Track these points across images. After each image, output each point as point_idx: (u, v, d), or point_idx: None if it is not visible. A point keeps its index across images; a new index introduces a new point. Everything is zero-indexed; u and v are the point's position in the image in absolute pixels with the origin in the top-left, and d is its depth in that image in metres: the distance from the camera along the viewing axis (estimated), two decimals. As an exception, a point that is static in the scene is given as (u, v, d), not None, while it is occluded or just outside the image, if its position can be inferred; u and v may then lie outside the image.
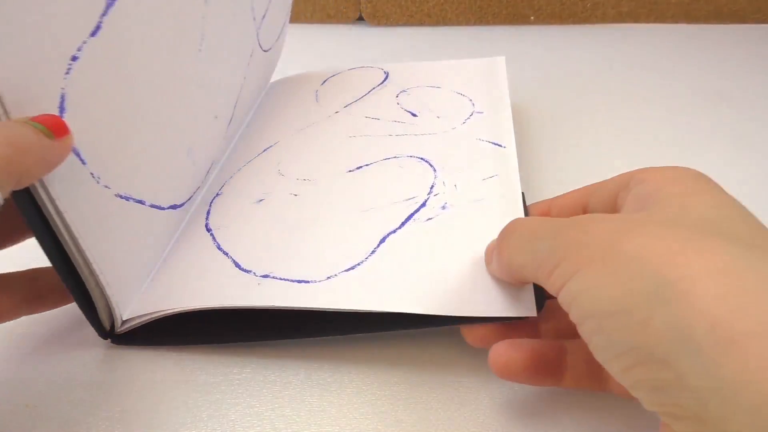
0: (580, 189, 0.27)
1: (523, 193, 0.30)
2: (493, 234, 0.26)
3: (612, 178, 0.25)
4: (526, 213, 0.29)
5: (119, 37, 0.22)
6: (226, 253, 0.28)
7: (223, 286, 0.27)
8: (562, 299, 0.19)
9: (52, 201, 0.21)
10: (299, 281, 0.26)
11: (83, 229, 0.23)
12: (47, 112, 0.20)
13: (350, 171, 0.33)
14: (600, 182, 0.26)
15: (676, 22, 0.59)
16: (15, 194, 0.21)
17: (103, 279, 0.24)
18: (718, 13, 0.58)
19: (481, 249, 0.27)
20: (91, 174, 0.23)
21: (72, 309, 0.27)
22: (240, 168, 0.34)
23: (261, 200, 0.31)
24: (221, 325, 0.28)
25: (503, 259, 0.23)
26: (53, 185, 0.21)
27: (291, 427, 0.25)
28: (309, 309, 0.25)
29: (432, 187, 0.31)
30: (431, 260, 0.27)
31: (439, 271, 0.26)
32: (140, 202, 0.26)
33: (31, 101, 0.19)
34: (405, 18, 0.59)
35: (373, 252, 0.27)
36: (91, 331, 0.28)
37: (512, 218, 0.25)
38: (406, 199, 0.30)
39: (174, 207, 0.29)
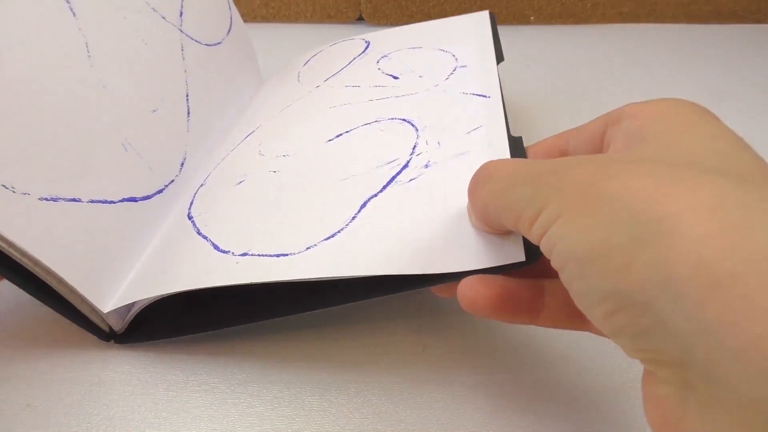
0: (558, 134, 0.25)
1: (520, 137, 0.29)
2: None
3: (594, 120, 0.23)
4: (523, 156, 0.27)
5: None
6: (205, 237, 0.28)
7: (202, 268, 0.26)
8: (544, 247, 0.19)
9: None
10: (278, 255, 0.26)
11: (26, 240, 0.23)
12: None
13: (329, 140, 0.31)
14: (578, 126, 0.24)
15: (676, 22, 0.59)
16: None
17: (72, 281, 0.24)
18: (718, 13, 0.58)
19: (464, 203, 0.25)
20: (3, 186, 0.23)
21: (72, 309, 0.27)
22: (224, 157, 0.34)
23: (241, 182, 0.31)
24: (217, 312, 0.28)
25: (477, 205, 0.22)
26: None
27: (291, 427, 0.25)
28: (288, 281, 0.25)
29: (414, 147, 0.30)
30: (413, 220, 0.26)
31: (422, 231, 0.25)
32: (74, 200, 0.26)
33: None
34: (405, 18, 0.59)
35: (353, 218, 0.26)
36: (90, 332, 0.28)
37: None
38: (388, 162, 0.29)
39: (133, 200, 0.28)
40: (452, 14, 0.59)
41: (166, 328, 0.28)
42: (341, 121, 0.33)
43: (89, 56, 0.28)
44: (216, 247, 0.27)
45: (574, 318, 0.22)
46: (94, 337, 0.28)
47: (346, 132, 0.32)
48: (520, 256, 0.22)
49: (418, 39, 0.40)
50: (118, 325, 0.27)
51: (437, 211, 0.26)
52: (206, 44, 0.37)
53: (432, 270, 0.23)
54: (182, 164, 0.32)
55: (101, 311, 0.26)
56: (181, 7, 0.36)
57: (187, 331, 0.28)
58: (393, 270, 0.24)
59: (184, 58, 0.34)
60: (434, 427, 0.24)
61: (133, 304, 0.27)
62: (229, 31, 0.40)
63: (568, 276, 0.18)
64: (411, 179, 0.28)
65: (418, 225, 0.25)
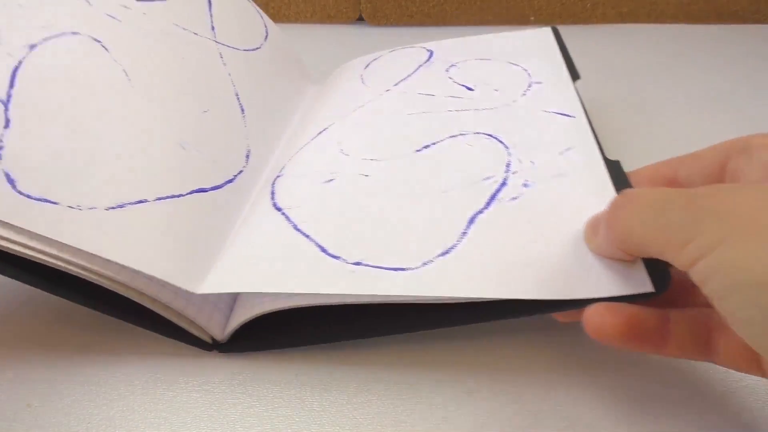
0: (663, 162, 0.26)
1: (618, 161, 0.29)
2: (585, 209, 0.26)
3: (708, 148, 0.23)
4: (625, 180, 0.27)
5: (33, 111, 0.27)
6: (307, 236, 0.27)
7: (314, 273, 0.25)
8: (698, 273, 0.18)
9: (59, 257, 0.24)
10: (395, 269, 0.25)
11: (105, 251, 0.24)
12: None
13: (418, 150, 0.32)
14: (689, 154, 0.24)
15: (676, 22, 0.59)
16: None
17: (158, 274, 0.25)
18: (718, 13, 0.58)
19: (574, 226, 0.25)
20: (70, 207, 0.25)
21: (73, 309, 0.27)
22: (298, 150, 0.34)
23: (330, 180, 0.30)
24: (315, 323, 0.27)
25: (617, 231, 0.22)
26: (50, 242, 0.24)
27: (291, 427, 0.25)
28: (410, 299, 0.24)
29: (508, 165, 0.30)
30: (527, 242, 0.25)
31: (538, 253, 0.25)
32: (141, 201, 0.27)
33: None
34: (405, 18, 0.59)
35: (464, 234, 0.26)
36: (91, 332, 0.28)
37: (601, 190, 0.24)
38: (485, 179, 0.29)
39: (202, 190, 0.29)
40: (452, 14, 0.59)
41: (269, 339, 0.27)
42: (425, 129, 0.33)
43: (129, 80, 0.31)
44: (323, 250, 0.26)
45: (701, 348, 0.23)
46: (94, 337, 0.28)
47: (433, 144, 0.32)
48: (647, 287, 0.23)
49: (483, 50, 0.40)
50: (219, 335, 0.27)
51: (548, 234, 0.26)
52: (245, 50, 0.39)
53: (559, 296, 0.23)
54: (247, 156, 0.33)
55: (194, 292, 0.26)
56: (212, 22, 0.38)
57: (293, 344, 0.27)
58: (519, 294, 0.24)
59: (225, 64, 0.36)
60: (434, 427, 0.24)
61: (233, 311, 0.27)
62: (266, 37, 0.42)
63: (732, 305, 0.18)
64: (513, 198, 0.28)
65: (530, 247, 0.25)
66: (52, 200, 0.25)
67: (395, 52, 0.43)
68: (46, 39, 0.30)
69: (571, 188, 0.28)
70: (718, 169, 0.23)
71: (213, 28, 0.38)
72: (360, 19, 0.60)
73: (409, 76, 0.39)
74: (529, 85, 0.36)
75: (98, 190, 0.26)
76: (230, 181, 0.31)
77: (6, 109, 0.26)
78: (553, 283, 0.24)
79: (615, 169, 0.28)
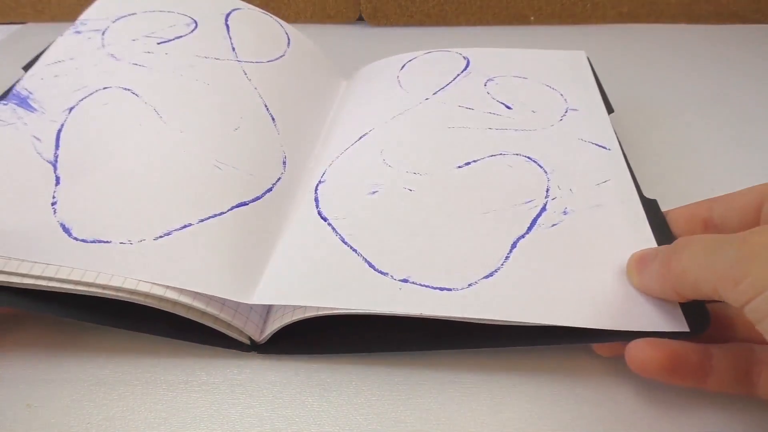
0: (697, 203, 0.27)
1: (655, 200, 0.30)
2: (622, 243, 0.27)
3: (743, 191, 0.25)
4: (662, 219, 0.29)
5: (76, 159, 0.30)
6: (355, 250, 0.28)
7: (361, 288, 0.26)
8: (752, 311, 0.19)
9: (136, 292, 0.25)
10: (441, 288, 0.26)
11: (159, 277, 0.26)
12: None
13: (459, 167, 0.32)
14: (722, 196, 0.26)
15: (676, 22, 0.59)
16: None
17: (211, 291, 0.26)
18: (718, 13, 0.58)
19: (613, 259, 0.27)
20: (121, 243, 0.27)
21: (72, 309, 0.27)
22: (338, 156, 0.34)
23: (374, 192, 0.31)
24: (352, 329, 0.27)
25: (673, 272, 0.23)
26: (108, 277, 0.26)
27: (291, 427, 0.25)
28: (452, 319, 0.25)
29: (548, 190, 0.31)
30: (566, 270, 0.26)
31: (577, 283, 0.26)
32: (185, 226, 0.28)
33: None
34: (405, 18, 0.59)
35: (506, 258, 0.27)
36: (91, 332, 0.28)
37: (638, 227, 0.26)
38: (525, 202, 0.30)
39: (243, 204, 0.30)
40: (452, 14, 0.59)
41: (309, 343, 0.27)
42: (465, 146, 0.34)
43: (160, 117, 0.33)
44: (371, 266, 0.27)
45: (742, 382, 0.23)
46: (94, 337, 0.28)
47: (474, 161, 0.33)
48: (683, 326, 0.24)
49: (520, 67, 0.41)
50: (257, 336, 0.27)
51: (587, 264, 0.27)
52: (268, 61, 0.40)
53: (599, 326, 0.24)
54: (284, 162, 0.34)
55: (247, 302, 0.26)
56: (232, 44, 0.39)
57: (332, 351, 0.27)
58: (559, 321, 0.24)
59: (250, 80, 0.37)
60: (434, 427, 0.24)
61: (272, 312, 0.27)
62: (288, 43, 0.42)
63: None
64: (553, 224, 0.29)
65: (570, 275, 0.26)
66: (105, 240, 0.27)
67: (431, 55, 0.43)
68: (81, 99, 0.33)
69: (609, 221, 0.29)
70: (754, 211, 0.24)
71: (233, 49, 0.39)
72: (360, 19, 0.60)
73: (447, 85, 0.39)
74: (566, 111, 0.37)
75: (145, 223, 0.28)
76: (269, 190, 0.32)
77: (55, 169, 0.30)
78: (593, 313, 0.25)
79: (652, 208, 0.29)
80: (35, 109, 0.32)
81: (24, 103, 0.33)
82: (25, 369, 0.27)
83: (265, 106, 0.36)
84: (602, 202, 0.30)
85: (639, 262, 0.25)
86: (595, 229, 0.28)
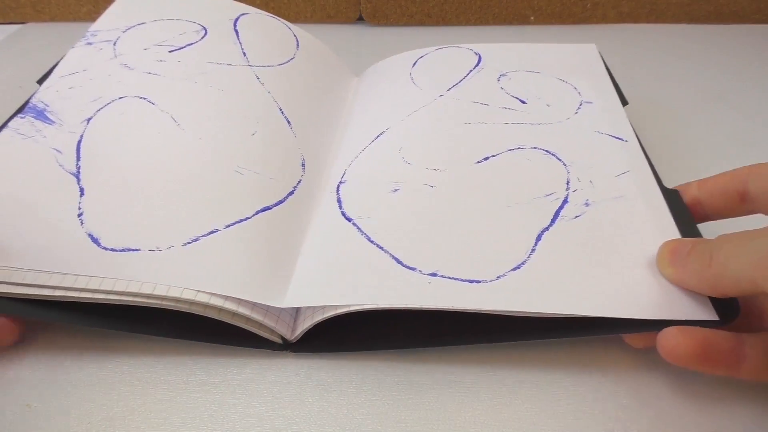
0: (728, 173, 0.28)
1: (676, 191, 0.30)
2: (646, 234, 0.27)
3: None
4: (684, 210, 0.29)
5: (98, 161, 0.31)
6: (380, 247, 0.28)
7: (390, 285, 0.26)
8: None
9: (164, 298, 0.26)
10: (470, 281, 0.26)
11: (189, 283, 0.26)
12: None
13: (478, 162, 0.32)
14: (757, 166, 0.27)
15: (676, 22, 0.59)
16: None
17: (242, 296, 0.26)
18: (719, 13, 0.58)
19: (637, 249, 0.27)
20: (150, 250, 0.27)
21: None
22: (357, 155, 0.34)
23: (396, 190, 0.31)
24: (382, 330, 0.27)
25: (713, 269, 0.23)
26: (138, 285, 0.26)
27: (291, 427, 0.25)
28: (481, 311, 0.25)
29: (568, 182, 0.31)
30: (592, 261, 0.27)
31: (604, 273, 0.26)
32: (213, 231, 0.28)
33: None
34: (405, 18, 0.59)
35: (533, 250, 0.27)
36: (90, 332, 0.28)
37: (660, 217, 0.27)
38: (546, 195, 0.30)
39: (267, 208, 0.30)
40: (452, 14, 0.59)
41: (342, 341, 0.27)
42: (483, 141, 0.34)
43: (177, 124, 0.33)
44: (398, 261, 0.27)
45: None
46: (93, 338, 0.28)
47: (493, 156, 0.33)
48: (712, 315, 0.24)
49: (532, 62, 0.41)
50: (289, 335, 0.27)
51: (613, 254, 0.27)
52: (279, 64, 0.40)
53: (629, 315, 0.24)
54: (303, 164, 0.34)
55: (278, 306, 0.26)
56: (242, 49, 0.40)
57: (365, 347, 0.27)
58: (591, 311, 0.25)
59: (263, 84, 0.38)
60: (434, 427, 0.24)
61: (302, 310, 0.27)
62: (297, 45, 0.43)
63: None
64: (576, 216, 0.29)
65: (596, 266, 0.27)
66: (134, 248, 0.27)
67: (442, 51, 0.43)
68: (98, 110, 0.34)
69: (631, 212, 0.29)
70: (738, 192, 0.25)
71: (244, 54, 0.40)
72: (360, 19, 0.60)
73: (460, 81, 0.39)
74: (580, 104, 0.37)
75: (172, 230, 0.28)
76: (291, 193, 0.32)
77: (78, 181, 0.30)
78: (622, 303, 0.25)
79: (673, 198, 0.30)
80: (53, 122, 0.33)
81: (41, 115, 0.33)
82: (25, 369, 0.27)
83: (280, 109, 0.37)
84: (623, 193, 0.30)
85: (672, 254, 0.26)
86: (618, 220, 0.29)
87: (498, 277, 0.26)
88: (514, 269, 0.26)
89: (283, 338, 0.27)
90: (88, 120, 0.33)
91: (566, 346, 0.27)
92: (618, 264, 0.27)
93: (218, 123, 0.34)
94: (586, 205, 0.29)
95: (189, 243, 0.28)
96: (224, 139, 0.33)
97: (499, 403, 0.25)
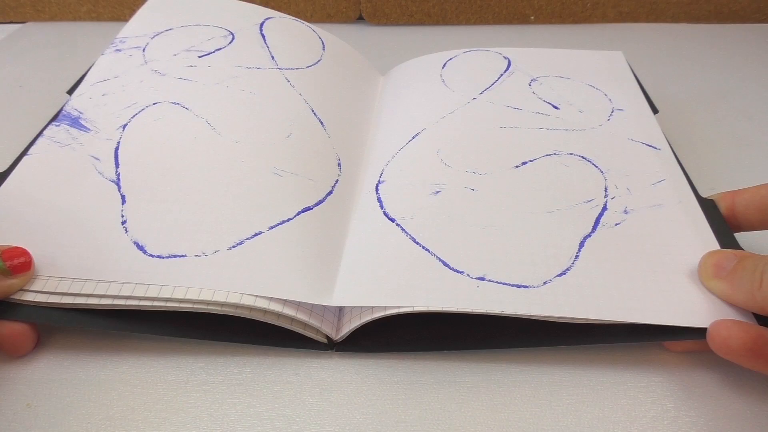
0: (766, 186, 0.28)
1: (712, 200, 0.30)
2: (685, 242, 0.28)
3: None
4: (721, 220, 0.29)
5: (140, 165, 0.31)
6: (427, 249, 0.28)
7: (438, 286, 0.26)
8: None
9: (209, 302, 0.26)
10: (517, 285, 0.26)
11: (235, 286, 0.26)
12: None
13: (516, 167, 0.33)
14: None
15: (676, 22, 0.59)
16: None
17: (289, 296, 0.26)
18: (719, 13, 0.58)
19: (678, 258, 0.27)
20: (197, 255, 0.27)
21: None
22: (393, 155, 0.34)
23: (437, 192, 0.31)
24: (422, 331, 0.27)
25: (764, 290, 0.23)
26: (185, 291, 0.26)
27: (291, 427, 0.25)
28: (531, 317, 0.25)
29: (606, 189, 0.31)
30: (635, 268, 0.27)
31: (647, 280, 0.27)
32: (257, 234, 0.28)
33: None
34: (405, 18, 0.59)
35: (576, 257, 0.28)
36: (90, 332, 0.28)
37: (697, 226, 0.27)
38: (586, 201, 0.30)
39: (307, 209, 0.30)
40: (452, 14, 0.59)
41: (387, 341, 0.27)
42: (519, 146, 0.34)
43: (214, 129, 0.33)
44: (446, 264, 0.27)
45: None
46: (92, 338, 0.28)
47: (530, 161, 0.33)
48: (751, 320, 0.25)
49: (561, 67, 0.42)
50: (334, 334, 0.27)
51: (654, 262, 0.27)
52: (307, 66, 0.40)
53: (674, 322, 0.25)
54: (339, 164, 0.34)
55: (329, 305, 0.26)
56: (270, 53, 0.40)
57: (412, 348, 0.27)
58: (637, 318, 0.25)
59: (293, 86, 0.38)
60: (434, 427, 0.24)
61: (347, 309, 0.27)
62: (323, 47, 0.43)
63: None
64: (616, 224, 0.29)
65: (639, 273, 0.27)
66: (180, 254, 0.27)
67: (471, 54, 0.44)
68: (133, 116, 0.34)
69: (670, 220, 0.30)
70: None
71: (273, 57, 0.40)
72: (360, 19, 0.60)
73: (492, 84, 0.40)
74: (612, 112, 0.37)
75: (216, 235, 0.28)
76: (330, 192, 0.32)
77: (119, 188, 0.30)
78: (667, 310, 0.25)
79: (710, 208, 0.30)
80: (88, 129, 0.33)
81: (76, 123, 0.33)
82: (25, 369, 0.27)
83: (313, 111, 0.37)
84: (661, 202, 0.31)
85: (716, 268, 0.26)
86: (657, 228, 0.29)
87: (545, 283, 0.26)
88: (560, 275, 0.27)
89: (328, 338, 0.27)
90: (124, 126, 0.33)
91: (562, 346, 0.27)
92: (661, 272, 0.27)
93: (253, 126, 0.34)
94: (626, 212, 0.30)
95: (234, 246, 0.27)
96: (261, 142, 0.33)
97: (499, 403, 0.25)
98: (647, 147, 0.34)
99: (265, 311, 0.26)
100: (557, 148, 0.34)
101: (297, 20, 0.44)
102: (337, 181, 0.33)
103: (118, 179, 0.30)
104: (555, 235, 0.29)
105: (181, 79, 0.37)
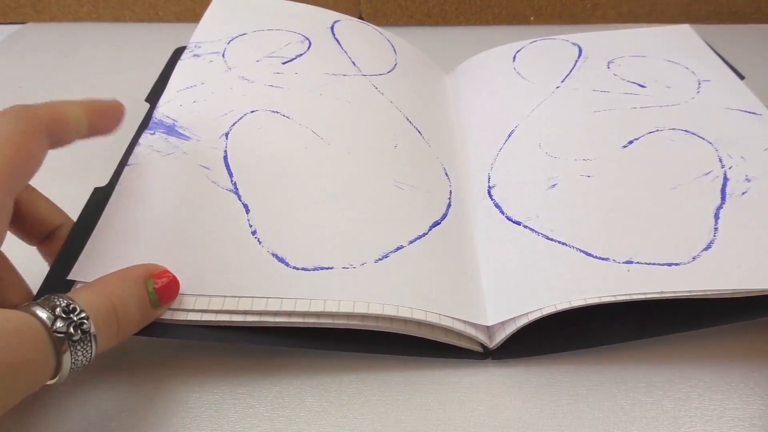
0: None
1: None
2: None
3: None
4: None
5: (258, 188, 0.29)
6: (563, 243, 0.27)
7: (586, 276, 0.26)
8: None
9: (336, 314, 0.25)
10: (668, 264, 0.26)
11: (390, 299, 0.25)
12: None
13: (624, 147, 0.32)
14: None
15: (676, 22, 0.59)
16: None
17: (444, 312, 0.25)
18: (718, 13, 0.58)
19: None
20: (344, 268, 0.26)
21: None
22: (495, 156, 0.34)
23: (554, 185, 0.30)
24: (571, 329, 0.27)
25: None
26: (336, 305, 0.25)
27: (291, 427, 0.25)
28: (690, 295, 0.24)
29: (720, 160, 0.31)
30: None
31: None
32: (398, 248, 0.27)
33: None
34: (405, 18, 0.59)
35: (716, 229, 0.27)
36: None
37: None
38: (705, 174, 0.30)
39: (437, 223, 0.30)
40: (452, 14, 0.59)
41: (540, 344, 0.27)
42: (621, 127, 0.34)
43: (322, 138, 0.32)
44: (588, 254, 0.27)
45: None
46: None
47: (636, 139, 0.32)
48: None
49: (634, 47, 0.41)
50: (488, 342, 0.26)
51: None
52: (387, 72, 0.39)
53: None
54: (446, 174, 0.33)
55: (484, 324, 0.26)
56: (350, 58, 0.39)
57: (563, 348, 0.27)
58: None
59: (382, 93, 0.37)
60: (434, 427, 0.24)
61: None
62: (395, 51, 0.42)
63: None
64: (743, 192, 0.29)
65: None
66: (327, 266, 0.26)
67: (538, 44, 0.43)
68: (233, 124, 0.32)
69: None
70: None
71: (354, 63, 0.38)
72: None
73: (571, 71, 0.39)
74: (699, 83, 0.37)
75: (361, 246, 0.27)
76: (449, 205, 0.31)
77: (239, 197, 0.28)
78: None
79: None
80: (188, 137, 0.31)
81: (173, 131, 0.31)
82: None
83: (407, 119, 0.36)
84: None
85: None
86: None
87: (694, 258, 0.26)
88: (706, 248, 0.26)
89: (483, 346, 0.27)
90: (226, 135, 0.31)
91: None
92: None
93: (359, 136, 0.33)
94: (748, 180, 0.29)
95: (380, 259, 0.27)
96: (372, 153, 0.32)
97: (499, 404, 0.25)
98: (746, 113, 0.34)
99: (420, 323, 0.25)
100: (658, 124, 0.33)
101: (363, 22, 0.43)
102: (450, 191, 0.32)
103: (236, 188, 0.29)
104: (687, 211, 0.28)
105: (271, 86, 0.35)
